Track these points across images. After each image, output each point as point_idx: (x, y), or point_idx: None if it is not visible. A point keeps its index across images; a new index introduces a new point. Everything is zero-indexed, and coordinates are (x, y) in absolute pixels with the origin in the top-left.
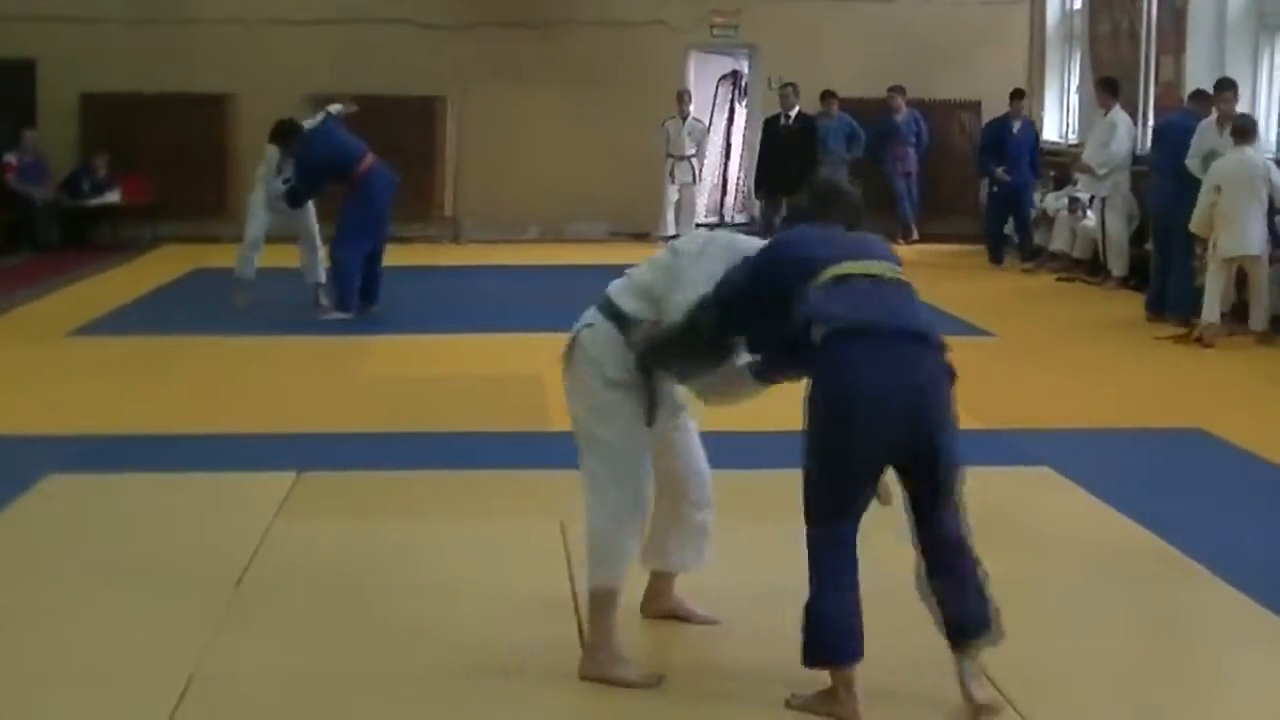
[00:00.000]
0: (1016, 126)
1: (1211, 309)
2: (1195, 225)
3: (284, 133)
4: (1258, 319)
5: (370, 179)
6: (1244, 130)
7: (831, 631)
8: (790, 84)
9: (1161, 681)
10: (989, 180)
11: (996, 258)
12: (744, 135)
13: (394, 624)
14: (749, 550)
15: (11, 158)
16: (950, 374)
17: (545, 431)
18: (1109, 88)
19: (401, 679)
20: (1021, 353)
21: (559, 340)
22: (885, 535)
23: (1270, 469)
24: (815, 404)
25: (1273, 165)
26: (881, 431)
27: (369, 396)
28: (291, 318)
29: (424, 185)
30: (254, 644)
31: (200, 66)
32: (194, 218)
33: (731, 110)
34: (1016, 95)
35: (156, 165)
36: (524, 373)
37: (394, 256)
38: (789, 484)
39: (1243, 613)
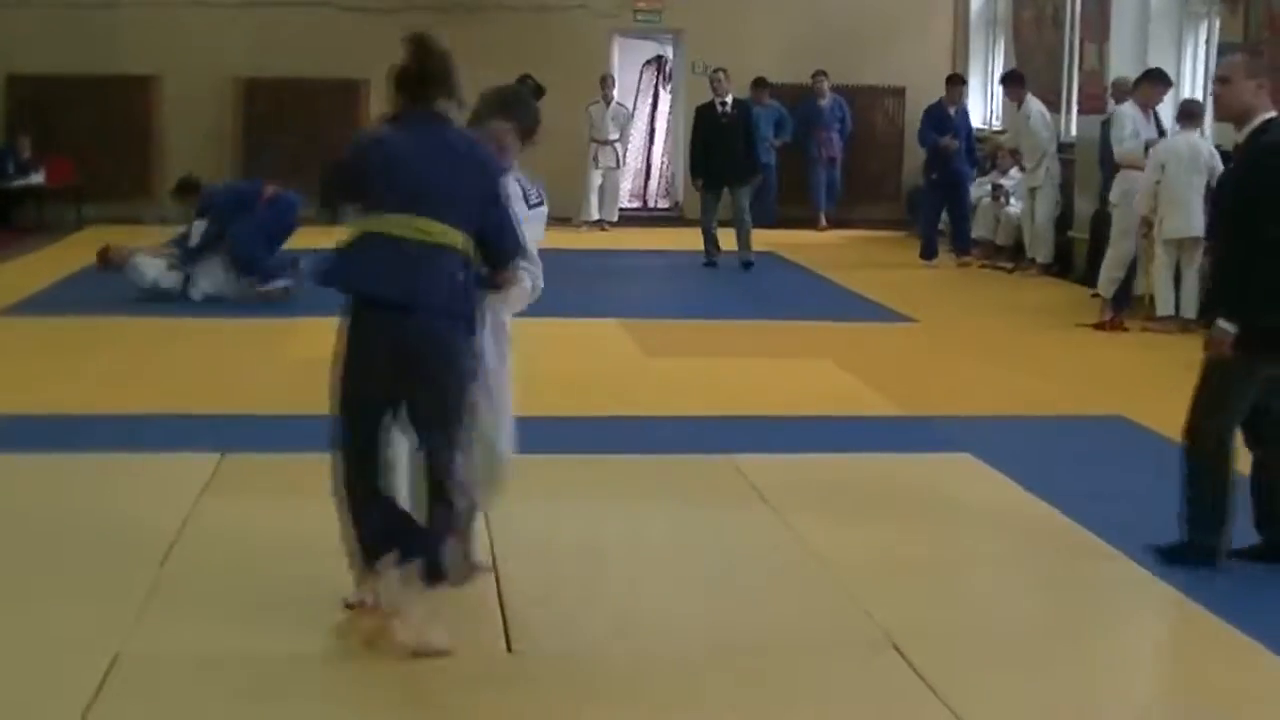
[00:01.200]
0: (953, 112)
1: (1166, 301)
2: (1140, 205)
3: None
4: (1190, 304)
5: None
6: (1191, 114)
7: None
8: (720, 70)
9: (1061, 652)
10: (927, 167)
11: (930, 252)
12: (668, 120)
13: (318, 604)
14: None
15: None
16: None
17: None
18: (1015, 80)
19: (327, 659)
20: (943, 339)
21: None
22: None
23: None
24: None
25: (1216, 152)
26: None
27: (294, 378)
28: (217, 300)
29: None
30: (179, 624)
31: (124, 48)
32: (118, 200)
33: (656, 95)
34: (954, 81)
35: (81, 147)
36: None
37: (312, 239)
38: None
39: (1145, 587)
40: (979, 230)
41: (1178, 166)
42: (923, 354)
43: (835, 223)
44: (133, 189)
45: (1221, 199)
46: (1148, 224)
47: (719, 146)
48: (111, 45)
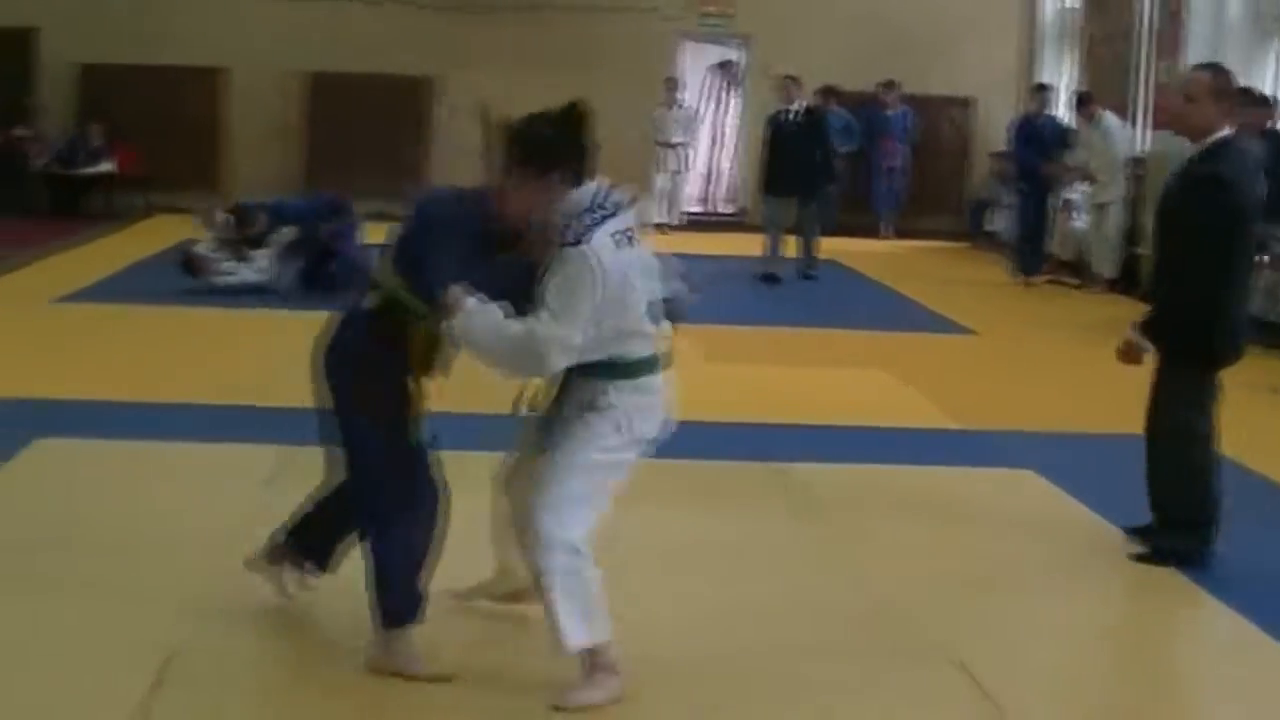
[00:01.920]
0: (1043, 123)
1: None
2: None
3: None
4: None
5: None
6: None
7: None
8: (790, 76)
9: (1123, 670)
10: (1018, 179)
11: (1028, 268)
12: (735, 125)
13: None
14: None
15: (23, 131)
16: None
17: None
18: (1088, 100)
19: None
20: (1004, 353)
21: None
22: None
23: (1252, 477)
24: None
25: None
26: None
27: None
28: (281, 291)
29: (412, 164)
30: (237, 619)
31: (196, 40)
32: (184, 189)
33: (722, 99)
34: (1041, 89)
35: (149, 137)
36: None
37: (381, 234)
38: None
39: (1204, 606)
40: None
41: None
42: (983, 367)
43: (898, 232)
44: (198, 179)
45: (1162, 215)
46: None
47: (788, 155)
48: (181, 37)
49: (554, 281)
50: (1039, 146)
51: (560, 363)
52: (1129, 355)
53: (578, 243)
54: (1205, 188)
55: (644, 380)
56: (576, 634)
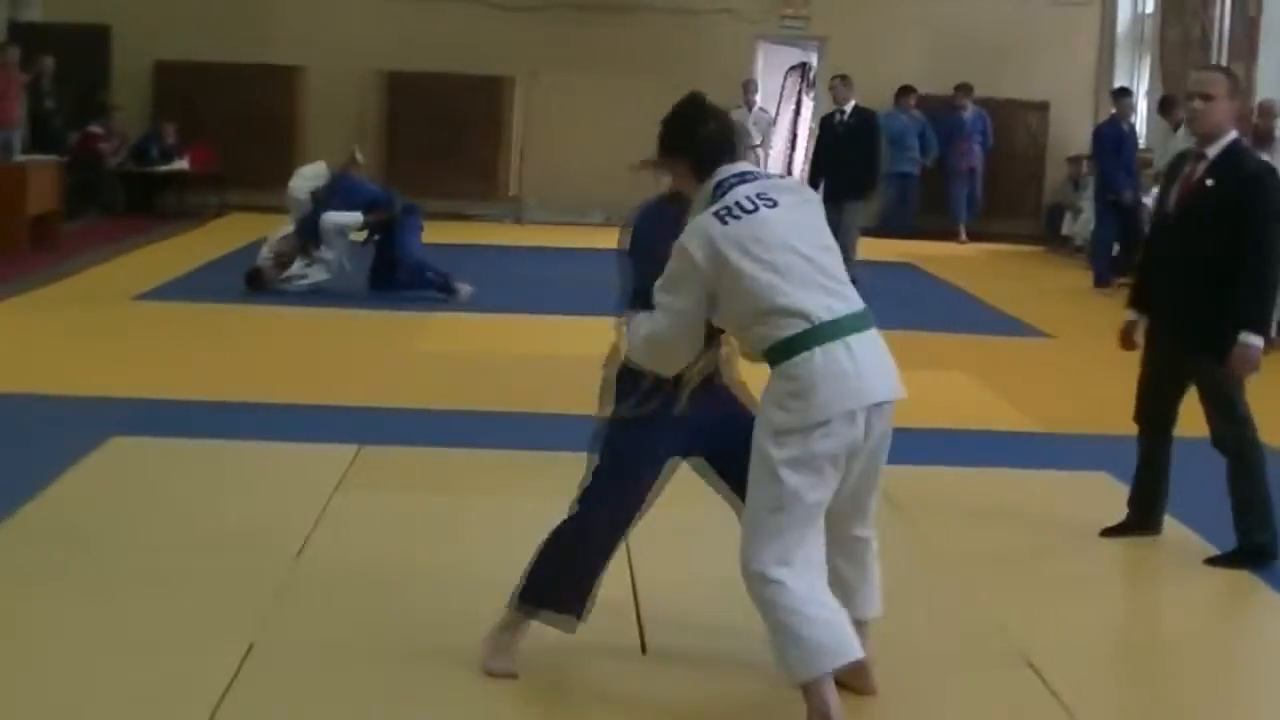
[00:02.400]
0: (1127, 129)
1: None
2: None
3: None
4: None
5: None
6: None
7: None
8: (840, 76)
9: (1195, 673)
10: (1104, 188)
11: (1105, 280)
12: (810, 127)
13: (451, 599)
14: None
15: (97, 128)
16: None
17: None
18: (1172, 104)
19: (456, 657)
20: (1080, 356)
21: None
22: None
23: None
24: None
25: None
26: None
27: (428, 372)
28: (350, 291)
29: (489, 165)
30: (313, 616)
31: (272, 38)
32: (259, 187)
33: (799, 102)
34: (1123, 94)
35: (224, 134)
36: (579, 355)
37: (456, 234)
38: None
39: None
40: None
41: None
42: (1059, 370)
43: (973, 236)
44: (273, 178)
45: (1201, 216)
46: None
47: (833, 157)
48: (258, 34)
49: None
50: (1120, 153)
51: (652, 349)
52: (1251, 362)
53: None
54: (1262, 180)
55: (797, 361)
56: (789, 666)
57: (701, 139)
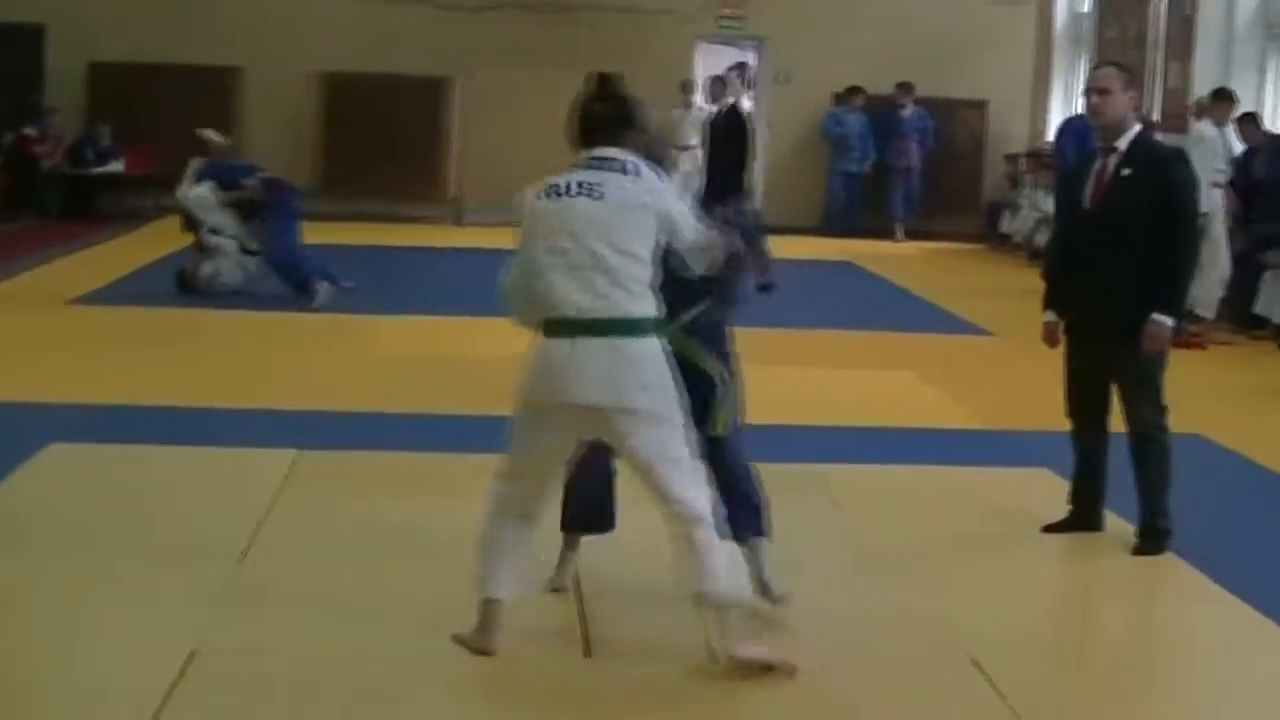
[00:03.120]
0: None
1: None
2: None
3: None
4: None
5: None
6: None
7: None
8: (717, 76)
9: (1140, 667)
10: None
11: None
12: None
13: (394, 602)
14: None
15: (32, 130)
16: None
17: None
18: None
19: (402, 657)
20: (1021, 353)
21: None
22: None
23: (1265, 473)
24: None
25: None
26: None
27: (370, 376)
28: (286, 294)
29: (428, 166)
30: (256, 620)
31: (209, 38)
32: None
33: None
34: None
35: (161, 136)
36: (519, 355)
37: (396, 236)
38: None
39: (1221, 604)
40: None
41: None
42: (1001, 367)
43: (913, 234)
44: None
45: (1119, 204)
46: None
47: (710, 158)
48: (195, 35)
49: None
50: (1082, 148)
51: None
52: (1161, 340)
53: None
54: (1177, 165)
55: (535, 342)
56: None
57: (580, 116)
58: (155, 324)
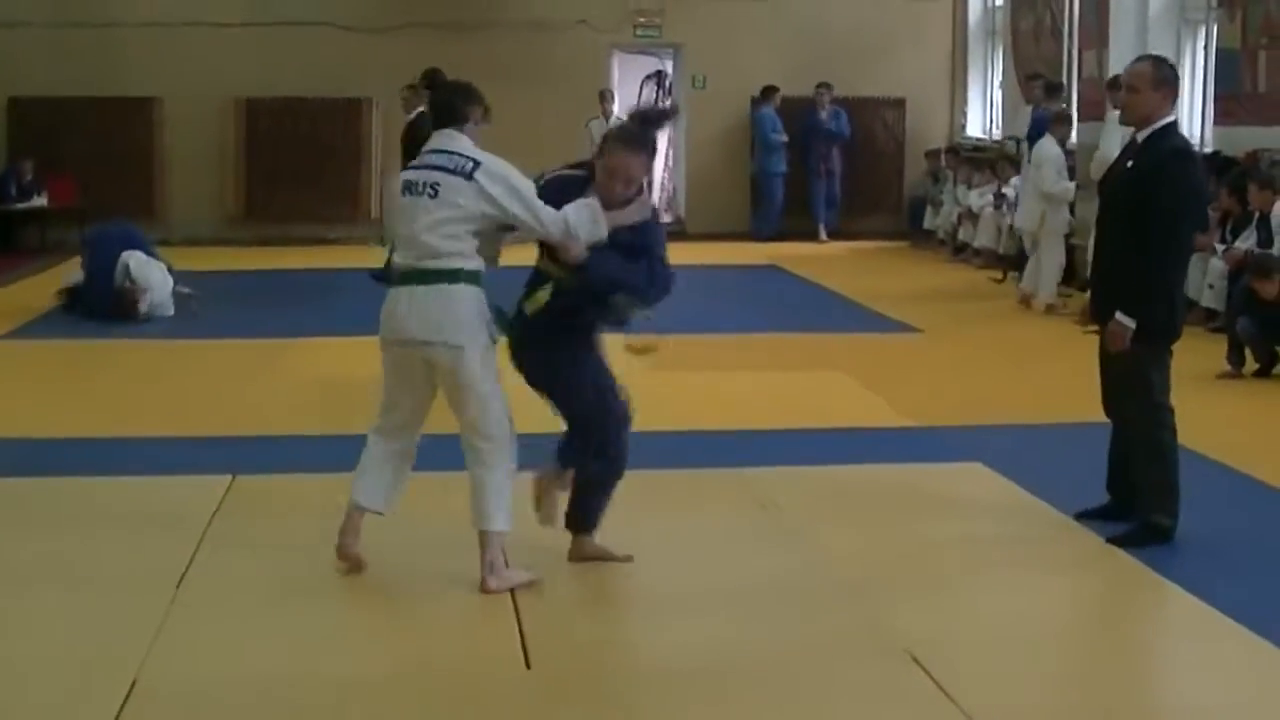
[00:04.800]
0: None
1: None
2: None
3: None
4: None
5: None
6: None
7: None
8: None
9: (1078, 659)
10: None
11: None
12: (668, 134)
13: (335, 626)
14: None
15: None
16: None
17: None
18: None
19: (345, 681)
20: (949, 349)
21: None
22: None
23: (1194, 457)
24: None
25: None
26: None
27: (301, 398)
28: (216, 321)
29: (350, 188)
30: (196, 648)
31: (127, 70)
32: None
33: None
34: (1049, 87)
35: (83, 168)
36: None
37: (319, 258)
38: None
39: (1155, 590)
40: (981, 240)
41: None
42: (930, 364)
43: (837, 234)
44: (135, 209)
45: (1115, 196)
46: None
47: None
48: (113, 66)
49: None
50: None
51: None
52: (1119, 339)
53: None
54: (1175, 162)
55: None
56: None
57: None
58: (82, 356)
